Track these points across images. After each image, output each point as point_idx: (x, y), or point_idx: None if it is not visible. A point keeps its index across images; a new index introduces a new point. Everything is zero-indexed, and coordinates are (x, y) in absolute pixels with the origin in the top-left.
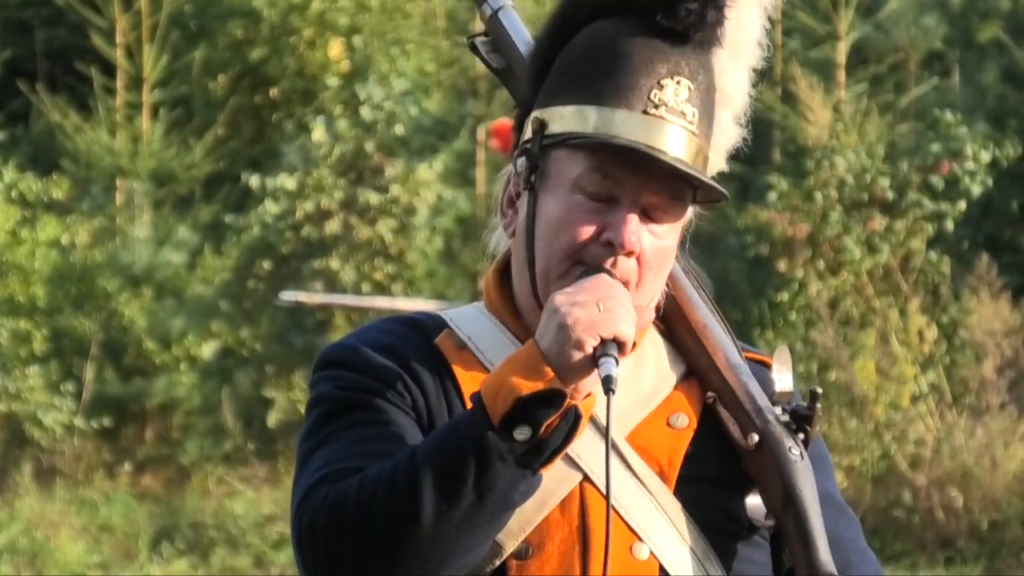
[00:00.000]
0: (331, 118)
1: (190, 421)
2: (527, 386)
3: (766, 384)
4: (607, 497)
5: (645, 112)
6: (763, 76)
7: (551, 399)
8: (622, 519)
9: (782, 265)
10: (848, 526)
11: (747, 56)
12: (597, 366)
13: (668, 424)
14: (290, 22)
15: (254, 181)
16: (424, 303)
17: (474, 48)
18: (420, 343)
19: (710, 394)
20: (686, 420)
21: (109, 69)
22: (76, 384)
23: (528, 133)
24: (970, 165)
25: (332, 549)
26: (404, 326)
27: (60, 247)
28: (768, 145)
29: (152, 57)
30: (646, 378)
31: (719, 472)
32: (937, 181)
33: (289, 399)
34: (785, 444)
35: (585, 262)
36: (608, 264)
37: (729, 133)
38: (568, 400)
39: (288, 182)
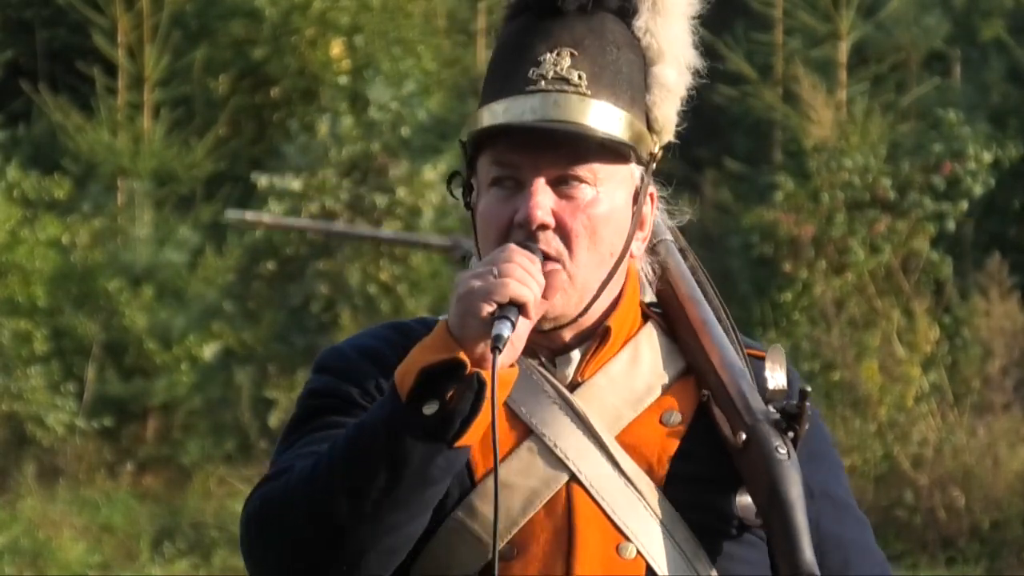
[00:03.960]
0: (337, 116)
1: (191, 421)
2: (428, 359)
3: (762, 380)
4: (495, 460)
5: (523, 92)
6: (764, 75)
7: (454, 370)
8: (609, 518)
9: (787, 265)
10: (852, 526)
11: (675, 8)
12: None
13: (661, 422)
14: (291, 21)
15: (263, 181)
16: (387, 232)
17: None
18: (406, 348)
19: (704, 392)
20: (679, 418)
21: (110, 69)
22: (77, 384)
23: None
24: (972, 165)
25: (267, 542)
26: (395, 332)
27: (61, 247)
28: (770, 145)
29: (153, 57)
30: (640, 376)
31: (710, 471)
32: (939, 181)
33: (291, 399)
34: (772, 443)
35: None
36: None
37: (671, 84)
38: (469, 368)
39: (293, 183)
